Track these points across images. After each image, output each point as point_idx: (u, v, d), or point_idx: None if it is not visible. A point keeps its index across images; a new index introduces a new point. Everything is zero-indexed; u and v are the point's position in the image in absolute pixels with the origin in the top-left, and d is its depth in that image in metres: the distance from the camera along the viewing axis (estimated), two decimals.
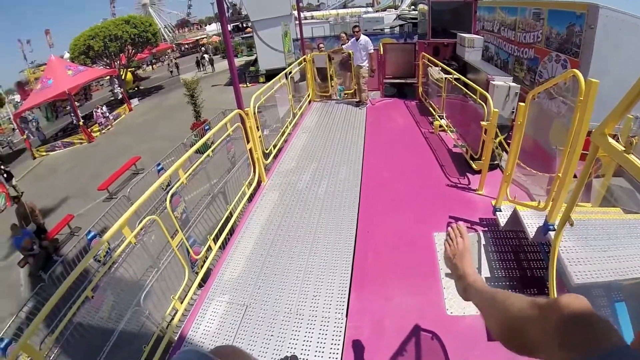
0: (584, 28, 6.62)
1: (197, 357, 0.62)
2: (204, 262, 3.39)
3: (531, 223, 2.85)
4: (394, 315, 2.67)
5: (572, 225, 1.87)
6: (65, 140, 17.96)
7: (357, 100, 7.75)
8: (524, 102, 3.36)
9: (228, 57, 4.62)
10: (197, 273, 3.31)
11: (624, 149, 1.32)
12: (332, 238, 3.48)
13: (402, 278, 3.00)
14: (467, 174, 4.49)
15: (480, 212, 3.74)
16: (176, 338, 2.80)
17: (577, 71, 2.32)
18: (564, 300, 0.72)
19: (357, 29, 7.45)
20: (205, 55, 33.38)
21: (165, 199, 3.06)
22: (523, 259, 3.14)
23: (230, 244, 3.58)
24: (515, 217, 3.05)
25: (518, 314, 0.85)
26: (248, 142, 4.35)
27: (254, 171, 4.39)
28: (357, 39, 7.26)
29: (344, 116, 7.00)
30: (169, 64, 35.41)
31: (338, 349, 2.37)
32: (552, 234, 2.53)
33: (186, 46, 49.05)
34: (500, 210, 3.34)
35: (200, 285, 3.23)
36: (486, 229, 3.50)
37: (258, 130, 4.57)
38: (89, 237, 4.33)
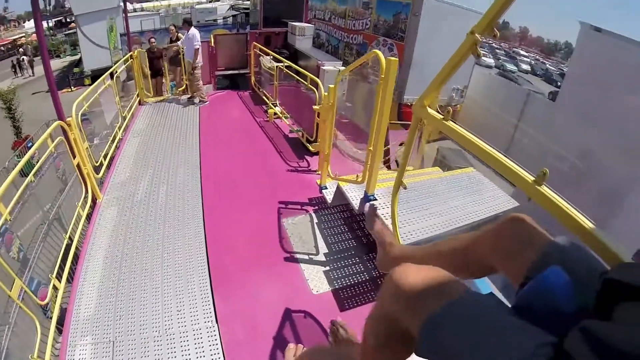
0: (409, 15, 7.53)
1: None
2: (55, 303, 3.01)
3: (354, 196, 3.14)
4: (263, 309, 2.71)
5: (405, 188, 1.97)
6: None
7: (189, 96, 7.52)
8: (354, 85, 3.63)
9: (43, 58, 4.02)
10: (50, 318, 2.92)
11: (442, 117, 1.46)
12: (182, 245, 3.37)
13: (263, 270, 3.06)
14: (306, 157, 4.79)
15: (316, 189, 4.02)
16: None
17: (377, 51, 2.52)
18: (393, 272, 0.79)
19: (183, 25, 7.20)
20: (24, 57, 28.38)
21: None
22: (357, 228, 3.49)
23: (77, 275, 3.23)
24: (339, 193, 3.33)
25: (375, 307, 0.91)
26: (74, 156, 3.94)
27: (86, 188, 4.02)
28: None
29: (177, 114, 6.75)
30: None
31: (219, 358, 2.35)
32: (376, 203, 2.83)
33: (1, 48, 41.01)
34: (326, 188, 3.60)
35: (60, 331, 2.88)
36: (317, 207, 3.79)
37: (85, 141, 4.19)
38: None
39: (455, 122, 1.45)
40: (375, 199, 2.84)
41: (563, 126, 6.25)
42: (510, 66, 33.37)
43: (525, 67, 35.01)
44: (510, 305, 0.70)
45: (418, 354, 0.69)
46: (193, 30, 7.00)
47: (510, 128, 8.57)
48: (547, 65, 37.95)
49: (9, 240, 2.80)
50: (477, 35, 1.22)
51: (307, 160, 4.74)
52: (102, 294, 2.97)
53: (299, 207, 3.87)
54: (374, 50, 2.66)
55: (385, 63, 2.36)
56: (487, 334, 0.57)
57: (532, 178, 1.10)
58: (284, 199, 3.99)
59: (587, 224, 0.95)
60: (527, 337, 0.55)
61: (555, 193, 1.05)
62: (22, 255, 3.00)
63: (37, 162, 3.60)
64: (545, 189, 1.06)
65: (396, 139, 7.25)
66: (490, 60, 32.17)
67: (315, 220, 3.62)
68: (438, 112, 1.55)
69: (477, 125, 8.81)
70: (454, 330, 0.61)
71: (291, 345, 1.66)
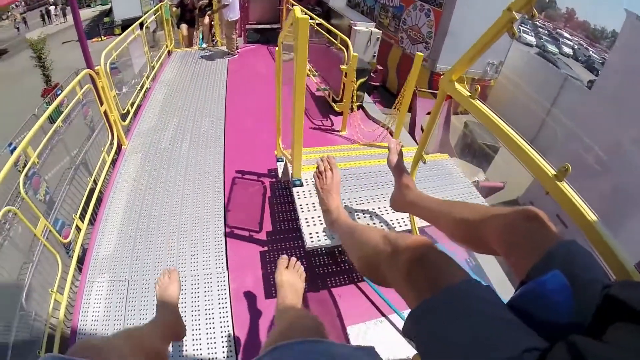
0: None
1: None
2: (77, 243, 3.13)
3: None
4: (272, 263, 2.76)
5: (424, 162, 1.91)
6: None
7: (219, 49, 7.43)
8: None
9: (72, 7, 4.05)
10: (71, 257, 3.03)
11: (469, 94, 1.39)
12: (201, 194, 3.44)
13: (275, 224, 3.09)
14: (330, 116, 4.73)
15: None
16: (69, 331, 2.63)
17: (296, 7, 2.12)
18: (410, 242, 0.76)
19: None
20: (52, 8, 28.62)
21: (25, 183, 2.73)
22: None
23: (99, 218, 3.34)
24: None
25: (373, 250, 0.88)
26: (102, 104, 4.00)
27: (112, 135, 4.08)
28: None
29: (205, 66, 6.70)
30: (15, 20, 29.73)
31: (226, 303, 2.42)
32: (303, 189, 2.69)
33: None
34: (281, 160, 3.27)
35: (80, 269, 3.00)
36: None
37: (112, 89, 4.22)
38: None
39: (482, 102, 1.38)
40: (301, 184, 2.71)
41: (596, 117, 5.91)
42: (551, 47, 31.51)
43: (567, 50, 32.88)
44: (505, 301, 0.67)
45: (404, 334, 0.67)
46: None
47: (542, 112, 8.24)
48: (591, 51, 35.70)
49: (36, 183, 2.92)
50: (514, 12, 1.14)
51: (331, 120, 4.68)
52: (121, 236, 3.07)
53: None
54: (295, 6, 2.33)
55: (296, 22, 1.99)
56: (479, 326, 0.55)
57: (553, 172, 1.03)
58: None
59: (600, 228, 0.89)
60: (517, 338, 0.53)
61: (574, 191, 0.98)
62: (48, 197, 3.11)
63: (66, 109, 3.65)
64: (564, 186, 1.00)
65: (424, 107, 7.08)
66: (531, 38, 30.55)
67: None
68: (466, 88, 1.48)
69: (508, 103, 8.49)
70: (446, 317, 0.59)
71: (284, 256, 1.60)
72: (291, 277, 1.50)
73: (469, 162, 6.57)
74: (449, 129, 7.22)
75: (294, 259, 1.59)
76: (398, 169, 1.61)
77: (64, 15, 27.31)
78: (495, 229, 0.86)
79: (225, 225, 3.09)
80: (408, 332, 0.66)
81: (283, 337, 0.70)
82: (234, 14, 6.76)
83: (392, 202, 1.54)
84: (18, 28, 28.01)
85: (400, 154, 1.71)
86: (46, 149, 3.37)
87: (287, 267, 1.55)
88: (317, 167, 1.51)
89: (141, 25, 5.84)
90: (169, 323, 1.46)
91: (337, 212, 1.34)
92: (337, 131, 4.45)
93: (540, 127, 8.20)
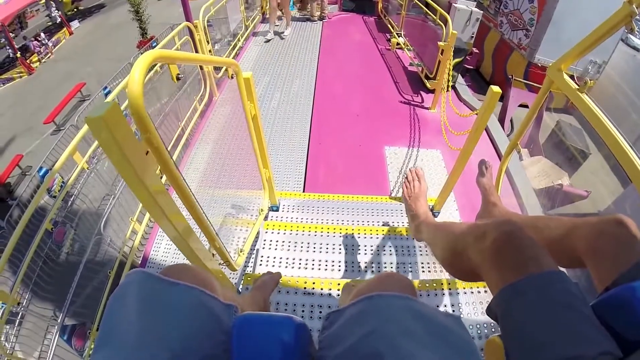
0: None
1: (142, 276, 0.57)
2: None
3: None
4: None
5: (518, 151, 1.88)
6: (3, 76, 16.11)
7: (314, 15, 7.32)
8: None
9: None
10: None
11: (578, 87, 1.32)
12: (285, 150, 3.49)
13: (353, 189, 3.03)
14: (421, 93, 4.53)
15: (430, 130, 3.85)
16: (139, 260, 2.79)
17: None
18: (499, 222, 0.74)
19: None
20: None
21: None
22: None
23: (184, 160, 3.51)
24: None
25: (459, 236, 0.88)
26: None
27: (205, 86, 4.20)
28: None
29: (299, 29, 6.69)
30: None
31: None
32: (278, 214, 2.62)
33: None
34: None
35: None
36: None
37: (208, 43, 4.32)
38: (40, 173, 4.13)
39: (591, 98, 1.29)
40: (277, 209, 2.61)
41: None
42: None
43: None
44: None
45: (489, 315, 0.66)
46: None
47: None
48: None
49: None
50: (634, 6, 1.03)
51: (422, 96, 4.49)
52: (203, 179, 3.20)
53: (404, 138, 3.76)
54: None
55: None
56: (565, 319, 0.54)
57: None
58: (392, 128, 3.90)
59: None
60: (599, 339, 0.51)
61: None
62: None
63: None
64: None
65: (517, 98, 6.62)
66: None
67: (420, 158, 3.49)
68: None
69: (607, 107, 7.67)
70: (535, 303, 0.57)
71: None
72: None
73: (555, 164, 6.11)
74: (540, 125, 6.72)
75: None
76: (487, 188, 1.66)
77: None
78: (584, 237, 0.85)
79: (305, 185, 3.12)
80: (493, 311, 0.65)
81: (379, 286, 0.66)
82: None
83: (478, 218, 1.54)
84: None
85: (490, 173, 1.75)
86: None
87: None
88: (406, 177, 1.59)
89: None
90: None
91: (425, 215, 1.38)
92: (427, 108, 4.26)
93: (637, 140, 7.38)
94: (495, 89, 1.79)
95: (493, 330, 1.58)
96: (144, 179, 0.78)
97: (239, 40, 5.64)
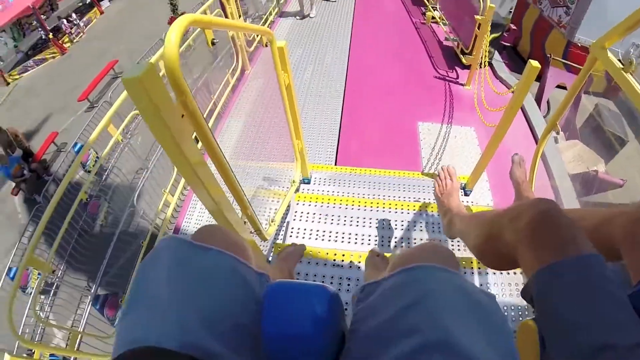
0: None
1: (175, 241, 0.57)
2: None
3: None
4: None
5: (557, 133, 1.83)
6: (36, 58, 16.41)
7: None
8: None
9: None
10: None
11: (622, 66, 1.29)
12: (317, 123, 3.50)
13: (385, 164, 2.97)
14: (456, 68, 4.41)
15: (465, 106, 3.76)
16: (172, 232, 2.85)
17: None
18: (535, 201, 0.71)
19: None
20: None
21: None
22: None
23: (217, 132, 3.56)
24: None
25: (493, 219, 0.86)
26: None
27: (237, 59, 4.21)
28: None
29: (330, 2, 6.57)
30: None
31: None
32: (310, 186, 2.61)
33: None
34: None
35: None
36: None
37: (240, 17, 4.31)
38: (75, 149, 4.27)
39: (635, 77, 1.24)
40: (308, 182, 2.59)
41: None
42: None
43: None
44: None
45: (524, 297, 0.64)
46: None
47: None
48: None
49: None
50: None
51: (457, 72, 4.37)
52: (236, 151, 3.22)
53: (438, 114, 3.69)
54: None
55: None
56: (604, 305, 0.52)
57: None
58: (424, 104, 3.84)
59: None
60: (634, 330, 0.49)
61: None
62: None
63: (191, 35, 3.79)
64: None
65: (555, 78, 6.38)
66: None
67: (453, 135, 3.42)
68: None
69: None
70: (574, 286, 0.55)
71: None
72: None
73: (592, 149, 5.90)
74: (578, 108, 6.48)
75: None
76: (519, 182, 1.70)
77: None
78: (621, 225, 0.80)
79: (337, 157, 3.13)
80: (528, 293, 0.62)
81: (420, 257, 0.64)
82: None
83: None
84: None
85: (523, 167, 1.75)
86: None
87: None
88: (438, 175, 1.59)
89: None
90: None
91: (458, 208, 1.39)
92: (462, 84, 4.15)
93: None
94: (535, 63, 1.72)
95: (520, 313, 1.57)
96: (180, 142, 0.79)
97: (270, 13, 5.61)
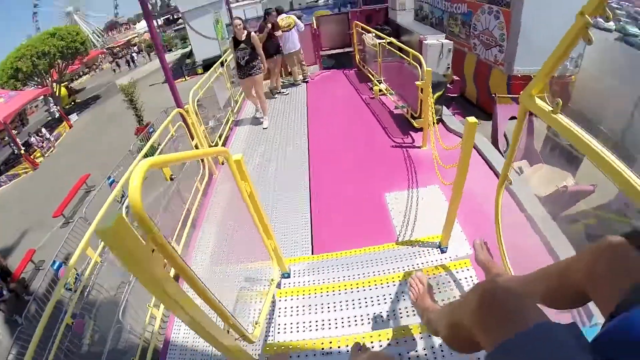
0: None
1: None
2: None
3: None
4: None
5: (510, 183, 1.87)
6: (9, 173, 16.82)
7: (297, 79, 7.59)
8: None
9: (158, 53, 4.50)
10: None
11: (551, 109, 1.35)
12: (288, 216, 3.59)
13: (360, 242, 3.03)
14: (410, 133, 4.66)
15: (425, 167, 3.94)
16: (161, 344, 2.82)
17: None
18: (481, 284, 0.78)
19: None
20: (134, 55, 32.45)
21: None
22: None
23: (193, 240, 3.60)
24: None
25: (455, 308, 0.94)
26: (193, 138, 4.31)
27: (203, 166, 4.36)
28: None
29: (285, 96, 7.00)
30: (117, 63, 34.14)
31: None
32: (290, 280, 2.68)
33: (118, 48, 46.60)
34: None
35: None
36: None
37: (201, 125, 4.53)
38: (54, 267, 4.22)
39: (564, 116, 1.31)
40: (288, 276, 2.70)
41: None
42: (632, 29, 28.35)
43: None
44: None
45: None
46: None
47: (629, 105, 7.37)
48: None
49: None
50: (587, 16, 1.06)
51: (411, 136, 4.61)
52: (212, 260, 3.24)
53: (402, 181, 3.83)
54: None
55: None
56: None
57: None
58: (388, 174, 4.00)
59: None
60: None
61: None
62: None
63: (159, 146, 3.96)
64: None
65: (505, 114, 6.73)
66: (609, 23, 27.73)
67: (420, 197, 3.54)
68: (546, 102, 1.42)
69: (593, 99, 7.70)
70: None
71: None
72: None
73: (556, 167, 6.09)
74: (533, 135, 6.77)
75: None
76: (485, 264, 1.81)
77: (149, 57, 30.50)
78: (581, 267, 0.84)
79: (312, 246, 3.18)
80: None
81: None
82: (291, 45, 6.98)
83: None
84: (115, 70, 31.97)
85: (485, 250, 1.88)
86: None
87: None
88: (410, 284, 1.75)
89: (222, 63, 6.25)
90: None
91: (432, 306, 1.53)
92: (418, 147, 4.38)
93: (630, 122, 7.33)
94: (471, 119, 1.86)
95: None
96: (153, 274, 0.89)
97: (230, 115, 5.89)
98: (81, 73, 39.13)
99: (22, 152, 16.81)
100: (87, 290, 4.96)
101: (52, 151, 18.29)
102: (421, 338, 1.71)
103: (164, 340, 2.84)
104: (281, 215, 3.64)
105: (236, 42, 5.25)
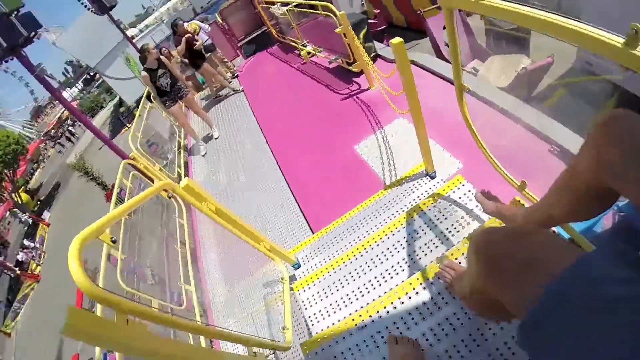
0: None
1: None
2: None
3: None
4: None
5: (468, 90, 1.73)
6: (18, 298, 16.53)
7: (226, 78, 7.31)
8: None
9: (82, 122, 4.38)
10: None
11: None
12: (276, 209, 3.57)
13: (353, 201, 2.95)
14: (354, 80, 4.58)
15: (382, 106, 3.86)
16: None
17: None
18: (473, 239, 0.72)
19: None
20: (70, 128, 31.71)
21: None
22: None
23: (202, 274, 3.57)
24: None
25: (467, 277, 0.91)
26: (152, 181, 4.19)
27: (177, 201, 4.26)
28: None
29: (222, 99, 6.86)
30: (59, 144, 33.36)
31: None
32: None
33: (53, 130, 44.94)
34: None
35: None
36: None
37: (155, 164, 4.41)
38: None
39: None
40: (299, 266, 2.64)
41: None
42: None
43: None
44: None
45: (521, 346, 0.62)
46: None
47: None
48: None
49: (140, 274, 3.19)
50: None
51: (356, 83, 4.54)
52: (226, 281, 3.26)
53: (366, 129, 3.77)
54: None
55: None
56: (589, 332, 0.48)
57: (621, 40, 0.81)
58: (350, 127, 3.93)
59: None
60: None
61: None
62: (157, 278, 3.32)
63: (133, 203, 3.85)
64: None
65: (437, 25, 6.67)
66: None
67: (389, 135, 3.49)
68: None
69: None
70: (554, 330, 0.52)
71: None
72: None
73: (508, 54, 6.05)
74: (473, 33, 6.71)
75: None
76: (498, 211, 1.61)
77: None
78: (587, 159, 0.73)
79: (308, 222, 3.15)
80: (523, 346, 0.61)
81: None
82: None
83: None
84: (60, 151, 31.38)
85: (493, 198, 1.72)
86: (136, 242, 3.62)
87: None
88: (441, 272, 1.61)
89: (148, 97, 6.00)
90: None
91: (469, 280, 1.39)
92: (366, 89, 4.31)
93: None
94: (395, 41, 1.78)
95: None
96: (141, 345, 0.83)
97: (180, 141, 5.75)
98: (31, 171, 37.96)
99: (18, 272, 16.45)
100: None
101: (44, 257, 17.95)
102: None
103: None
104: (269, 213, 3.58)
105: (153, 71, 4.95)
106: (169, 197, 4.07)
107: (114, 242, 1.33)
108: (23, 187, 29.88)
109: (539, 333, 0.54)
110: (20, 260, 18.01)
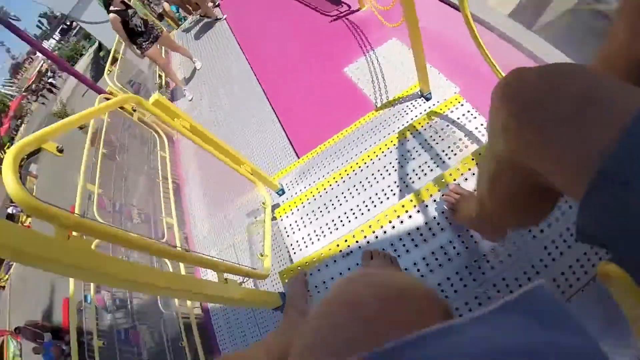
0: None
1: None
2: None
3: None
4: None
5: None
6: None
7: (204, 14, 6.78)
8: None
9: (62, 67, 4.19)
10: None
11: None
12: (260, 136, 3.46)
13: (341, 124, 2.76)
14: (342, 2, 4.27)
15: (373, 26, 3.62)
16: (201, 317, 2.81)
17: None
18: (510, 87, 0.51)
19: None
20: (51, 80, 30.63)
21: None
22: None
23: (184, 204, 3.45)
24: None
25: (484, 159, 0.72)
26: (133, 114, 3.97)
27: (158, 133, 4.09)
28: None
29: (205, 32, 6.42)
30: (42, 96, 32.51)
31: None
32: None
33: (34, 85, 43.37)
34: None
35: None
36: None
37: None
38: (88, 301, 4.17)
39: None
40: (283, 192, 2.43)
41: None
42: None
43: None
44: None
45: (582, 239, 0.44)
46: None
47: None
48: None
49: (127, 213, 3.23)
50: None
51: (345, 4, 4.22)
52: (209, 209, 3.17)
53: (355, 51, 3.54)
54: None
55: None
56: None
57: None
58: (340, 49, 3.69)
59: None
60: None
61: None
62: (142, 216, 3.24)
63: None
64: None
65: None
66: None
67: (381, 56, 3.28)
68: None
69: None
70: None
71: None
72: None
73: None
74: None
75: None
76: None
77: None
78: (622, 27, 0.56)
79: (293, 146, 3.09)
80: (588, 234, 0.43)
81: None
82: None
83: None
84: (44, 103, 31.30)
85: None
86: (122, 182, 3.55)
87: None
88: (447, 201, 1.39)
89: None
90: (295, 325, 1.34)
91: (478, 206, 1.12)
92: (357, 10, 4.00)
93: None
94: None
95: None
96: (87, 262, 0.75)
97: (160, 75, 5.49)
98: (16, 127, 36.98)
99: None
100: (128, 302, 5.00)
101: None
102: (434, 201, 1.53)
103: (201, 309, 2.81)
104: (253, 138, 3.47)
105: (122, 11, 4.37)
106: (139, 120, 3.87)
107: (60, 151, 1.17)
108: (8, 144, 29.29)
109: (626, 196, 0.36)
110: (11, 213, 18.09)
